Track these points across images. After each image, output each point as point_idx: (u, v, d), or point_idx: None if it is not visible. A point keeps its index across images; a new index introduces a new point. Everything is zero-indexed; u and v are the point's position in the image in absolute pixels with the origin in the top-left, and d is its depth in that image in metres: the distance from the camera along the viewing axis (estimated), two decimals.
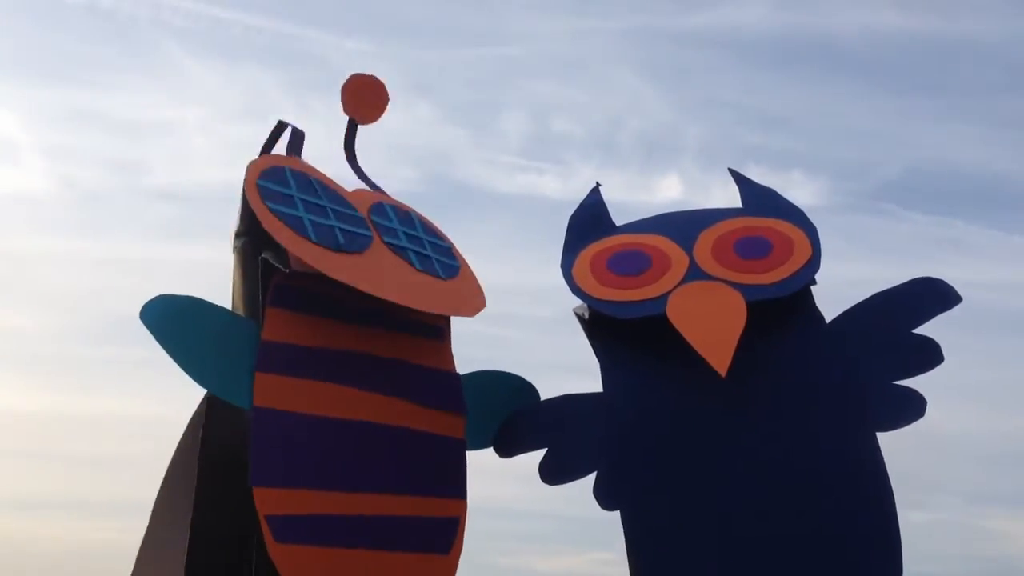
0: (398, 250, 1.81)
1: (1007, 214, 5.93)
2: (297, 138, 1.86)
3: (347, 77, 1.92)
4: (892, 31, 5.73)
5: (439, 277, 1.83)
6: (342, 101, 1.93)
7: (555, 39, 5.81)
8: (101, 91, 5.61)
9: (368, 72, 1.95)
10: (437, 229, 1.96)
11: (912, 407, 1.76)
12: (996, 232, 5.81)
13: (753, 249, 1.88)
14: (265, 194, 1.68)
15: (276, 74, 5.75)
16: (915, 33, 5.72)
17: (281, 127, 1.85)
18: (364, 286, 1.65)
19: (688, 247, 1.90)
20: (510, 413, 1.88)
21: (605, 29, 5.71)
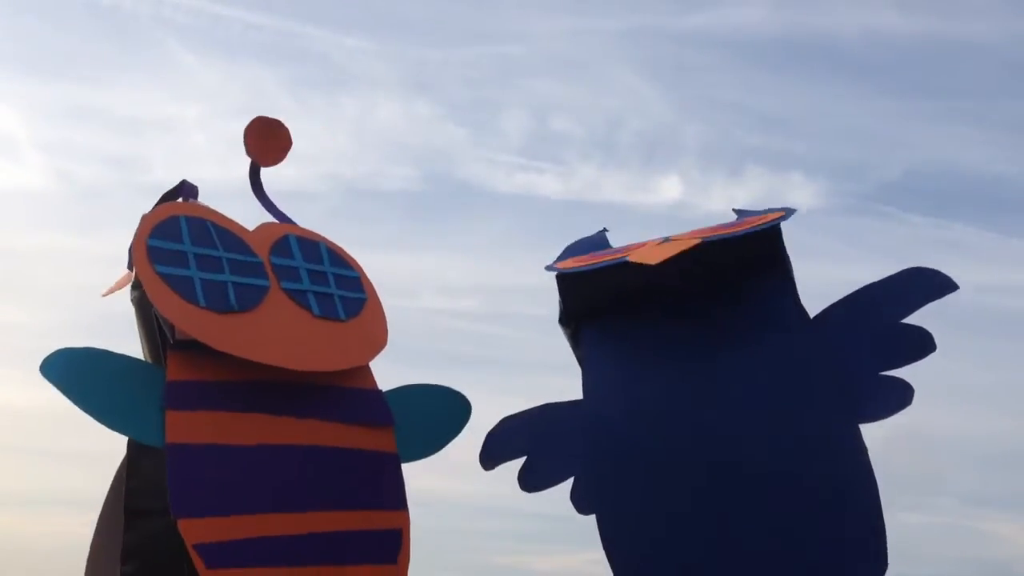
0: (296, 295, 1.79)
1: (1007, 217, 5.93)
2: (191, 192, 1.88)
3: (250, 120, 1.92)
4: (892, 32, 5.74)
5: (339, 319, 1.81)
6: (245, 144, 1.92)
7: (555, 38, 5.82)
8: (101, 87, 5.62)
9: (272, 116, 1.95)
10: (347, 258, 1.94)
11: (897, 396, 1.70)
12: (995, 235, 5.81)
13: (722, 226, 1.86)
14: (154, 256, 1.66)
15: (276, 71, 5.76)
16: (916, 34, 5.72)
17: (180, 186, 1.87)
18: (249, 354, 1.64)
19: (664, 239, 1.89)
20: (495, 424, 1.87)
21: (605, 28, 5.72)
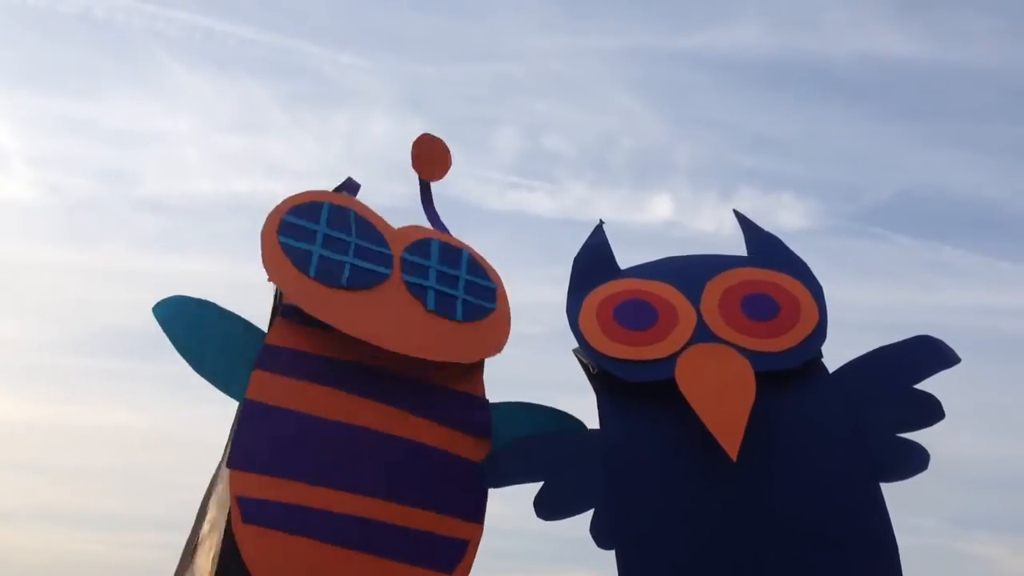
0: (414, 288, 1.85)
1: (994, 239, 5.98)
2: (353, 189, 2.01)
3: (416, 137, 2.10)
4: (886, 56, 5.80)
5: (452, 319, 1.85)
6: (411, 159, 2.07)
7: (550, 57, 5.86)
8: (92, 100, 5.63)
9: (433, 135, 2.13)
10: (488, 269, 1.99)
11: (916, 459, 1.76)
12: (982, 257, 5.86)
13: (760, 310, 1.88)
14: (283, 229, 1.78)
15: (269, 86, 5.78)
16: (909, 58, 5.78)
17: (345, 183, 2.00)
18: (340, 325, 1.73)
19: (695, 299, 1.90)
20: (506, 442, 1.84)
21: (600, 48, 5.76)
